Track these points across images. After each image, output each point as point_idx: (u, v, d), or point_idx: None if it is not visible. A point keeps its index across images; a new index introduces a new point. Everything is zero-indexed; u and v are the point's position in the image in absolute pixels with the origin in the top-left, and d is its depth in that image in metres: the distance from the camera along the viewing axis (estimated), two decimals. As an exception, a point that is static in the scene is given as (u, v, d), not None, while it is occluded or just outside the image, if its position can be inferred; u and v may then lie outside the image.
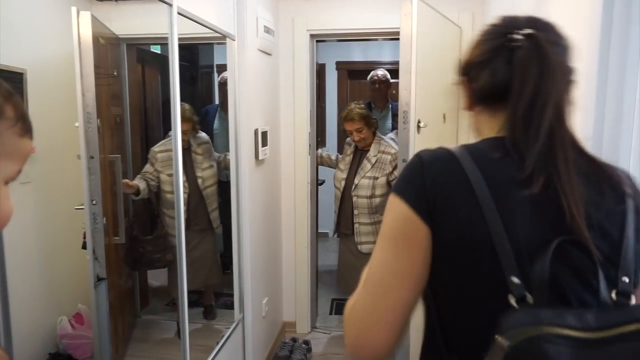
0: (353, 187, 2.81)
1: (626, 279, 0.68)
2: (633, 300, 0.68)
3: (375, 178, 2.78)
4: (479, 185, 0.68)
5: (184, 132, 2.42)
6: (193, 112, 2.71)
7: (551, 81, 0.71)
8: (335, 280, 3.44)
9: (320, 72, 4.35)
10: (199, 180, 2.71)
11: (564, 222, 0.67)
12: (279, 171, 3.14)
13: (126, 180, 2.31)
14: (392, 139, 3.07)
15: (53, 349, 2.03)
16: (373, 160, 2.81)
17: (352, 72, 5.19)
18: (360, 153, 2.90)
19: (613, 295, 0.67)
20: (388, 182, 2.79)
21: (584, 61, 1.22)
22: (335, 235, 3.15)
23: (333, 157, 3.22)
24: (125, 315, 2.49)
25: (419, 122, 2.13)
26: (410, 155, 2.10)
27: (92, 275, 1.95)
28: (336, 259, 3.12)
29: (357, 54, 5.21)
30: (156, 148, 2.60)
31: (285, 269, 3.27)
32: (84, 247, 1.94)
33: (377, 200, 2.78)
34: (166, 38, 1.75)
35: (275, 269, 3.13)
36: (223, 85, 3.06)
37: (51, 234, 2.00)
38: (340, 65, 5.20)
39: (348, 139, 3.01)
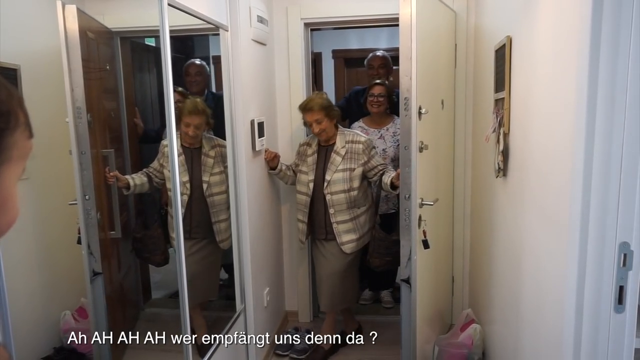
0: (325, 184, 2.65)
1: None
2: None
3: (351, 170, 2.63)
4: None
5: (196, 127, 2.39)
6: (205, 105, 2.49)
7: None
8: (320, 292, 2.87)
9: (316, 61, 4.31)
10: (204, 185, 2.46)
11: None
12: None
13: (114, 173, 2.18)
14: (360, 127, 3.02)
15: (57, 343, 2.04)
16: (342, 152, 2.65)
17: (349, 60, 5.16)
18: (325, 149, 2.71)
19: None
20: (364, 174, 2.67)
21: (574, 59, 1.20)
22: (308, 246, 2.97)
23: (288, 172, 2.89)
24: (126, 309, 2.50)
25: (420, 108, 2.12)
26: (413, 142, 2.10)
27: (88, 270, 1.96)
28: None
29: (353, 41, 5.17)
30: (165, 141, 2.38)
31: (287, 259, 3.28)
32: (80, 242, 1.94)
33: (355, 193, 2.64)
34: (159, 30, 1.73)
35: (277, 259, 3.13)
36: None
37: (49, 230, 2.00)
38: (336, 54, 5.17)
39: (302, 140, 2.89)
